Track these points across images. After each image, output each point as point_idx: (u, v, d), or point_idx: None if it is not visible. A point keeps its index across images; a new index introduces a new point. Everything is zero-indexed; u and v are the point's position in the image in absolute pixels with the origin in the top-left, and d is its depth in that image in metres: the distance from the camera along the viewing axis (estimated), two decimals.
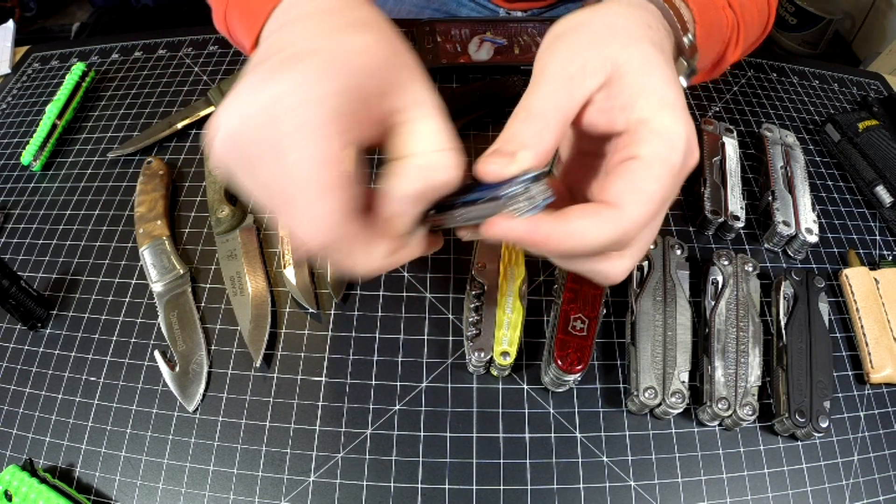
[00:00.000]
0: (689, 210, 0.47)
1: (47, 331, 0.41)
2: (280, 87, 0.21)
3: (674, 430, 0.37)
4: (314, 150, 0.21)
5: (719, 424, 0.37)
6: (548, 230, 0.23)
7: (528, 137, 0.24)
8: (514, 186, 0.23)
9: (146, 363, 0.39)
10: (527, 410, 0.37)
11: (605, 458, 0.36)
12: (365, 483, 0.35)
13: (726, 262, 0.41)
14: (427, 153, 0.24)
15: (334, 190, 0.21)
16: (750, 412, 0.35)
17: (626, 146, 0.24)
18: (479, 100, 0.52)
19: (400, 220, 0.25)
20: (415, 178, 0.24)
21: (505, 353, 0.36)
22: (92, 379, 0.39)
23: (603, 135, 0.27)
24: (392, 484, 0.35)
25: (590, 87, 0.25)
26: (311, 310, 0.41)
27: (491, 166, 0.24)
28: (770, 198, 0.46)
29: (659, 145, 0.24)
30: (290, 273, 0.42)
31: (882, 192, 0.48)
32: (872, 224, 0.49)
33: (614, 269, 0.26)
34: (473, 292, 0.38)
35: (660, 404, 0.36)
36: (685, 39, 0.30)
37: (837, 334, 0.42)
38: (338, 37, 0.23)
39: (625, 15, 0.27)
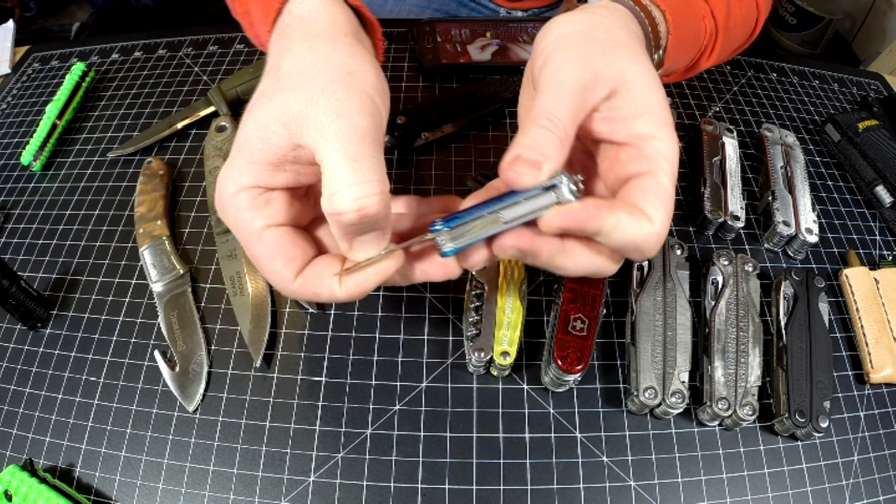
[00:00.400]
0: (689, 210, 0.47)
1: (47, 331, 0.41)
2: (220, 183, 0.26)
3: (674, 430, 0.37)
4: (248, 231, 0.26)
5: (719, 424, 0.37)
6: (600, 212, 0.24)
7: (551, 147, 0.25)
8: (563, 179, 0.25)
9: (146, 363, 0.39)
10: (527, 410, 0.37)
11: (605, 458, 0.36)
12: (365, 483, 0.35)
13: (726, 262, 0.41)
14: (326, 199, 0.24)
15: (276, 256, 0.26)
16: (750, 412, 0.35)
17: (634, 159, 0.26)
18: (479, 100, 0.52)
19: (352, 253, 0.26)
20: (331, 223, 0.25)
21: (505, 353, 0.36)
22: (92, 379, 0.39)
23: (597, 139, 0.28)
24: (392, 484, 0.35)
25: (598, 96, 0.26)
26: (311, 310, 0.41)
27: (524, 178, 0.24)
28: (770, 198, 0.46)
29: (664, 161, 0.25)
30: None
31: (882, 192, 0.48)
32: (872, 224, 0.49)
33: (610, 267, 0.27)
34: (473, 292, 0.38)
35: (660, 404, 0.36)
36: (654, 56, 0.32)
37: (837, 334, 0.42)
38: (247, 121, 0.26)
39: (623, 27, 0.29)
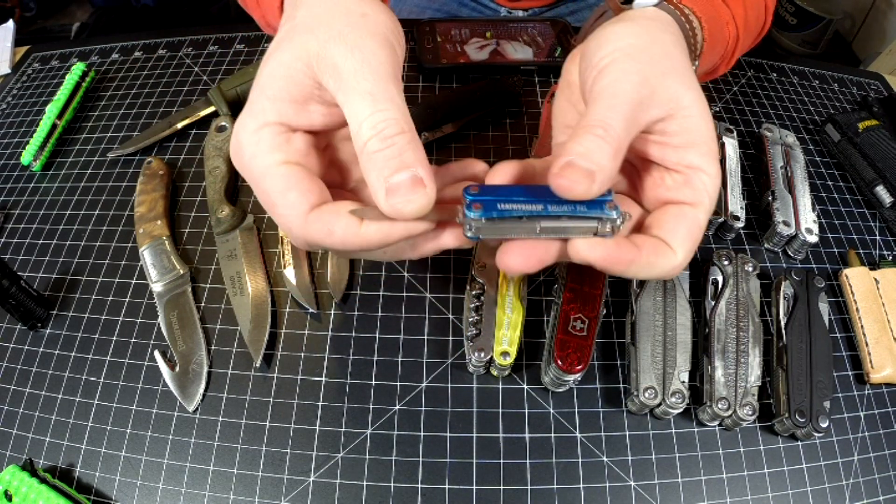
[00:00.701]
0: None
1: (47, 331, 0.41)
2: (239, 123, 0.26)
3: (674, 430, 0.37)
4: (262, 167, 0.25)
5: (719, 424, 0.37)
6: (629, 257, 0.25)
7: (605, 157, 0.24)
8: (609, 212, 0.24)
9: (146, 363, 0.39)
10: (527, 410, 0.37)
11: (605, 458, 0.36)
12: (365, 483, 0.35)
13: (726, 262, 0.41)
14: (353, 139, 0.24)
15: (291, 187, 0.25)
16: (750, 412, 0.35)
17: (679, 187, 0.27)
18: (479, 100, 0.52)
19: (388, 197, 0.24)
20: (363, 164, 0.24)
21: (505, 353, 0.36)
22: (92, 379, 0.39)
23: (646, 159, 0.28)
24: (392, 484, 0.35)
25: (652, 116, 0.26)
26: (311, 310, 0.41)
27: (577, 186, 0.24)
28: (770, 198, 0.46)
29: (706, 197, 0.26)
30: (290, 273, 0.42)
31: (882, 192, 0.48)
32: (872, 224, 0.49)
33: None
34: (473, 292, 0.38)
35: (660, 404, 0.36)
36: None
37: (837, 334, 0.42)
38: (267, 64, 0.26)
39: (677, 44, 0.29)
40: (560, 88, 0.32)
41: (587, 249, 0.24)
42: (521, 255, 0.25)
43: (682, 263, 0.26)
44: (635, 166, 0.30)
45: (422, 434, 0.36)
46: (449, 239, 0.27)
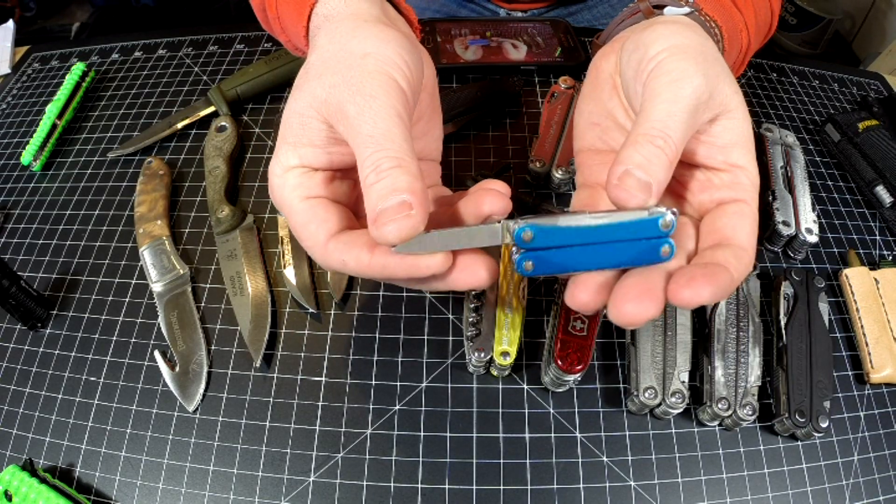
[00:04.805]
0: None
1: (47, 331, 0.41)
2: (270, 168, 0.28)
3: (674, 430, 0.37)
4: (289, 204, 0.27)
5: (719, 424, 0.37)
6: (729, 279, 0.24)
7: (661, 170, 0.24)
8: (664, 258, 0.25)
9: (146, 363, 0.39)
10: (527, 410, 0.37)
11: (605, 458, 0.36)
12: (365, 483, 0.35)
13: None
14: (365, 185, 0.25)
15: (310, 220, 0.26)
16: (750, 412, 0.35)
17: (728, 186, 0.28)
18: (479, 100, 0.52)
19: (376, 223, 0.25)
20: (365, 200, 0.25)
21: (505, 353, 0.36)
22: (92, 379, 0.39)
23: (691, 161, 0.29)
24: (392, 484, 0.35)
25: (706, 118, 0.27)
26: (311, 310, 0.41)
27: (634, 200, 0.24)
28: (770, 198, 0.46)
29: (753, 192, 0.28)
30: (290, 273, 0.42)
31: (882, 192, 0.48)
32: (872, 224, 0.49)
33: None
34: (473, 292, 0.38)
35: (660, 404, 0.36)
36: None
37: (837, 334, 0.42)
38: (285, 112, 0.28)
39: (716, 48, 0.29)
40: (589, 83, 0.32)
41: (694, 298, 0.23)
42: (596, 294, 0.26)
43: (752, 261, 0.26)
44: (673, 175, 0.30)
45: (422, 434, 0.36)
46: (462, 279, 0.26)
